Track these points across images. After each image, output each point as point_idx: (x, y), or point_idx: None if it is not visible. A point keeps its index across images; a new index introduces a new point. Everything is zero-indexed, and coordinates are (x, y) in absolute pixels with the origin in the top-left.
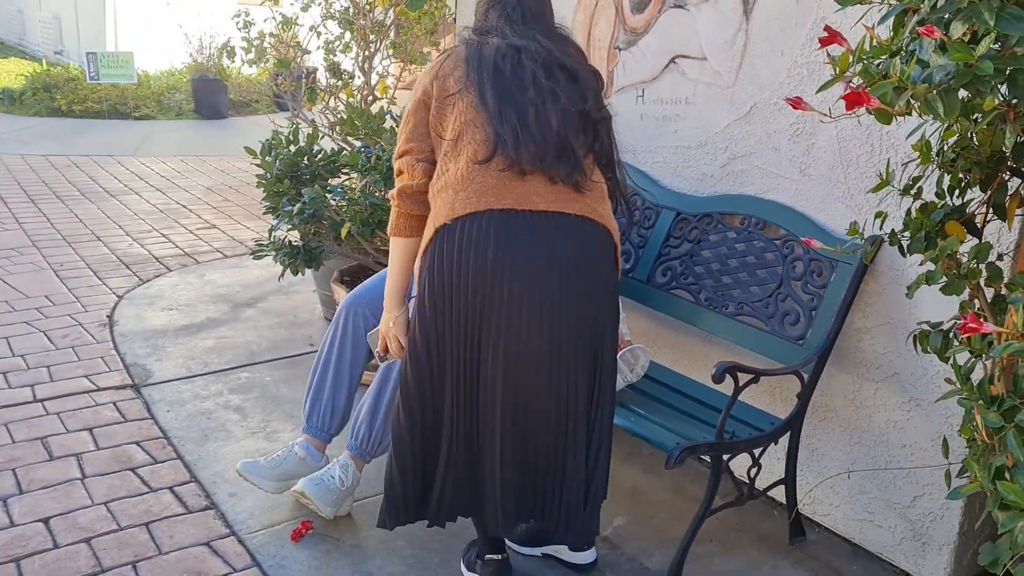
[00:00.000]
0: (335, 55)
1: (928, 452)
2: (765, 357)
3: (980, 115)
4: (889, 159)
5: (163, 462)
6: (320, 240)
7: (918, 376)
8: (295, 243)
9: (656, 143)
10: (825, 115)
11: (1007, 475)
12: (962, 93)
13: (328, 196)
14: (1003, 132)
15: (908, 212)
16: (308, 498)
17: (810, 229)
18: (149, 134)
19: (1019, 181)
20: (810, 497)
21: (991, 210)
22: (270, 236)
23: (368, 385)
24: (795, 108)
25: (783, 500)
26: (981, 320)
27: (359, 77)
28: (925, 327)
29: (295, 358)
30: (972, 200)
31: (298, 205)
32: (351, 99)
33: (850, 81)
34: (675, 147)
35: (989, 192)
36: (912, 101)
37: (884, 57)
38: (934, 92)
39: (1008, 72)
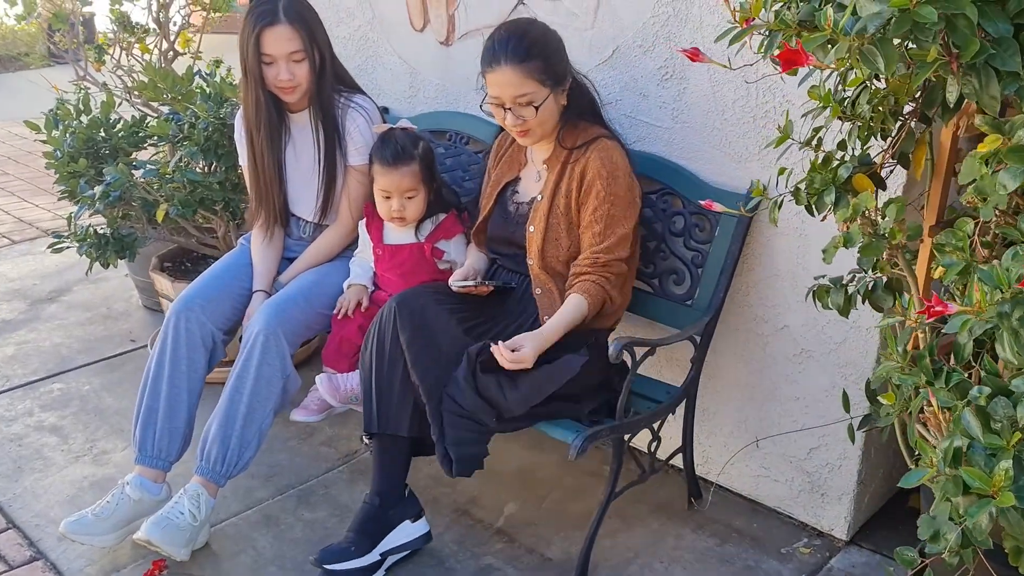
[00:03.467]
0: (121, 4)
1: (823, 404)
2: (652, 321)
3: (918, 65)
4: (788, 110)
5: None
6: (132, 225)
7: (809, 327)
8: (102, 231)
9: None
10: (726, 66)
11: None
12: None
13: (135, 174)
14: (943, 80)
15: (813, 167)
16: (156, 545)
17: (686, 181)
18: None
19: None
20: (703, 457)
21: (896, 160)
22: (70, 225)
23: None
24: (693, 60)
25: (679, 465)
26: (946, 302)
27: (155, 30)
28: (825, 283)
29: (116, 359)
30: (872, 150)
31: (101, 187)
32: (147, 55)
33: (762, 31)
34: None
35: (897, 141)
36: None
37: (801, 4)
38: (868, 43)
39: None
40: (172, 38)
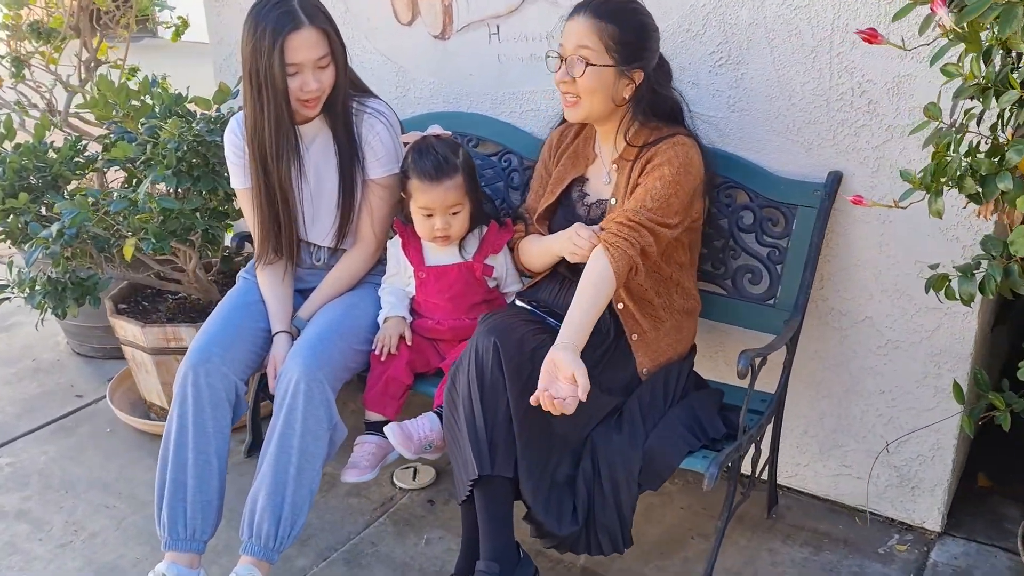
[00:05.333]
0: (20, 8)
1: (912, 395)
2: (730, 325)
3: None
4: (941, 92)
5: None
6: (90, 265)
7: (895, 318)
8: (54, 276)
9: (524, 88)
10: (900, 47)
11: None
12: None
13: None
14: None
15: (967, 151)
16: None
17: (752, 172)
18: None
19: None
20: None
21: None
22: (10, 271)
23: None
24: (870, 43)
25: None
26: None
27: (71, 36)
28: (950, 270)
29: (66, 420)
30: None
31: (56, 225)
32: (54, 66)
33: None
34: (551, 90)
35: None
36: None
37: None
38: None
39: None
40: (94, 47)
